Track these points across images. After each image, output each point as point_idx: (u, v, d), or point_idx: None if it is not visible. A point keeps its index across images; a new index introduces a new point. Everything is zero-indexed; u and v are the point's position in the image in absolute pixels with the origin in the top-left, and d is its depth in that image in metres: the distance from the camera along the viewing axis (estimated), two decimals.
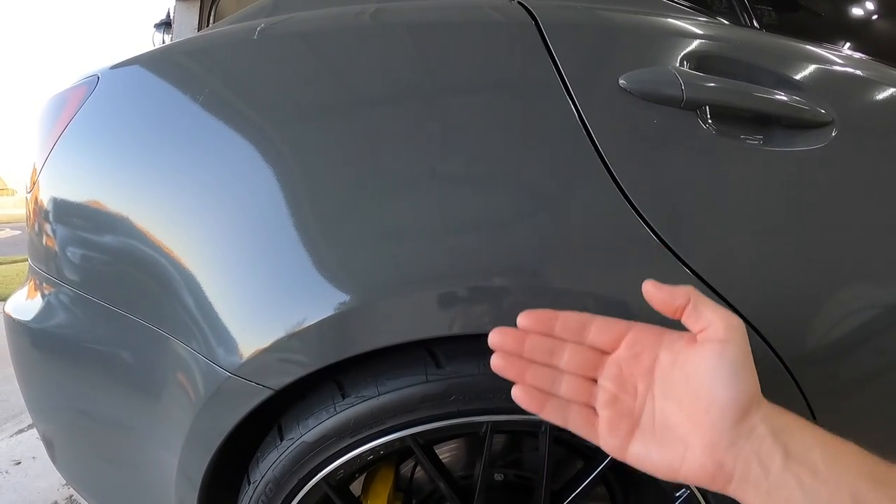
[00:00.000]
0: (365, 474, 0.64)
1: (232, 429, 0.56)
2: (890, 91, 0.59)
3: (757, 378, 0.34)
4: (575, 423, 0.38)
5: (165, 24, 1.86)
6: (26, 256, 0.83)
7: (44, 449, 0.85)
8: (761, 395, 0.34)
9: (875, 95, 0.60)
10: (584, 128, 0.52)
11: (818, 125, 0.55)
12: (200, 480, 0.59)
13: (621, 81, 0.53)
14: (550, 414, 0.38)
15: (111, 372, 0.65)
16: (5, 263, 6.16)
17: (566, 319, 0.38)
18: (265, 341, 0.51)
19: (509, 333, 0.39)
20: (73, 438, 0.79)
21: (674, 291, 0.36)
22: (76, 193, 0.67)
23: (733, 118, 0.54)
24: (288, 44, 0.60)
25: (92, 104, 0.66)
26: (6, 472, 1.53)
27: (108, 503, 0.81)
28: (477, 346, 0.53)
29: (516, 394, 0.38)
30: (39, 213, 0.71)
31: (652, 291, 0.37)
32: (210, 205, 0.56)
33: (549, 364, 0.38)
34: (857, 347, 0.54)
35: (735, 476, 0.32)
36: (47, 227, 0.70)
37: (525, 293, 0.50)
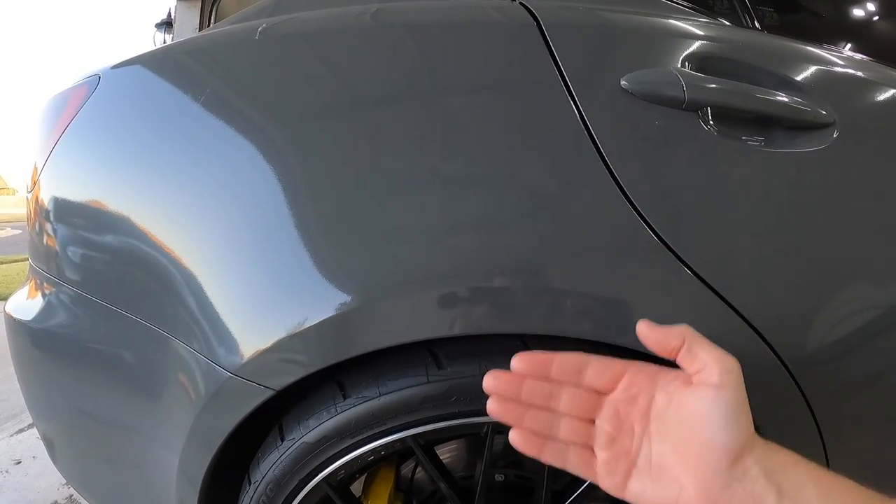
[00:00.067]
0: (366, 475, 0.64)
1: (233, 429, 0.56)
2: (891, 92, 0.59)
3: (751, 420, 0.34)
4: (574, 465, 0.38)
5: (166, 24, 1.86)
6: (27, 256, 0.83)
7: (44, 448, 0.85)
8: (755, 434, 0.34)
9: (876, 97, 0.60)
10: (586, 128, 0.52)
11: (819, 126, 0.55)
12: (201, 480, 0.59)
13: (623, 82, 0.53)
14: (549, 457, 0.38)
15: (112, 372, 0.65)
16: (6, 263, 6.16)
17: (562, 362, 0.38)
18: (266, 341, 0.51)
19: (504, 378, 0.38)
20: (73, 438, 0.79)
21: (668, 332, 0.36)
22: (77, 193, 0.67)
23: (735, 119, 0.54)
24: (289, 44, 0.60)
25: (93, 104, 0.66)
26: (6, 472, 1.53)
27: (109, 503, 0.81)
28: (478, 347, 0.53)
29: (514, 439, 0.38)
30: (40, 213, 0.71)
31: (646, 332, 0.37)
32: (211, 205, 0.56)
33: (546, 407, 0.38)
34: (858, 348, 0.54)
35: None
36: (48, 227, 0.70)
37: (526, 293, 0.50)
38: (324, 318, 0.50)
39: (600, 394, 0.38)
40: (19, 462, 1.59)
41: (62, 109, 0.70)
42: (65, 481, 1.34)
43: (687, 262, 0.50)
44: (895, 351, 0.55)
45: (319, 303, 0.50)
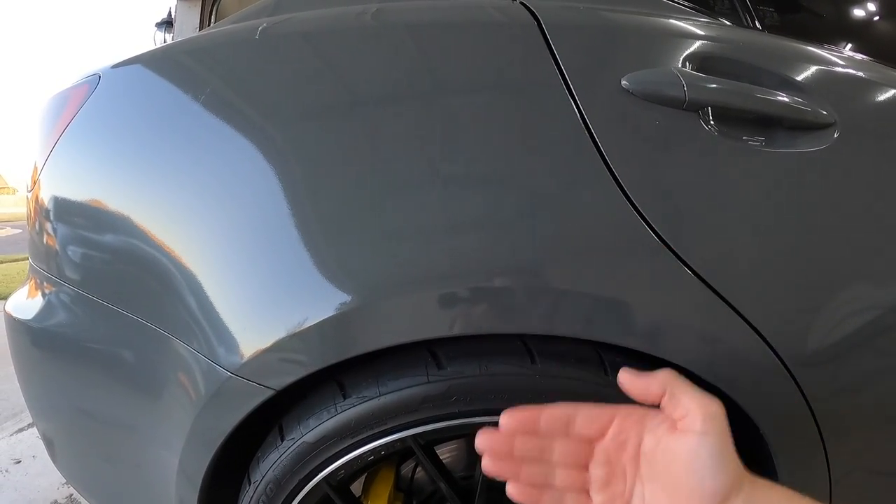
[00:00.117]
0: (366, 475, 0.64)
1: (233, 429, 0.56)
2: (892, 92, 0.59)
3: (738, 461, 0.34)
4: None
5: (167, 24, 1.86)
6: (27, 255, 0.83)
7: (44, 448, 0.85)
8: (744, 473, 0.34)
9: (877, 97, 0.60)
10: (587, 128, 0.52)
11: (820, 127, 0.54)
12: (201, 480, 0.59)
13: (623, 82, 0.53)
14: (547, 503, 0.39)
15: (112, 371, 0.65)
16: (6, 262, 6.16)
17: (550, 415, 0.39)
18: (266, 341, 0.51)
19: (496, 436, 0.39)
20: (73, 438, 0.79)
21: (649, 381, 0.37)
22: (77, 192, 0.67)
23: (735, 119, 0.54)
24: (289, 43, 0.60)
25: (93, 103, 0.66)
26: (6, 471, 1.53)
27: (108, 502, 0.81)
28: (478, 348, 0.53)
29: (511, 492, 0.39)
30: (40, 212, 0.71)
31: (627, 381, 0.38)
32: (211, 204, 0.56)
33: (540, 460, 0.39)
34: (858, 348, 0.54)
35: None
36: (48, 226, 0.70)
37: (526, 293, 0.50)
38: (324, 317, 0.50)
39: (591, 441, 0.39)
40: (19, 461, 1.59)
41: (62, 109, 0.70)
42: (64, 481, 1.34)
43: (687, 262, 0.50)
44: (895, 351, 0.55)
45: (319, 302, 0.50)
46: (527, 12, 0.57)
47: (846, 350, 0.53)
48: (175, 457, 0.60)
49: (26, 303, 0.76)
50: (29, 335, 0.74)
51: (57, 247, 0.68)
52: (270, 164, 0.54)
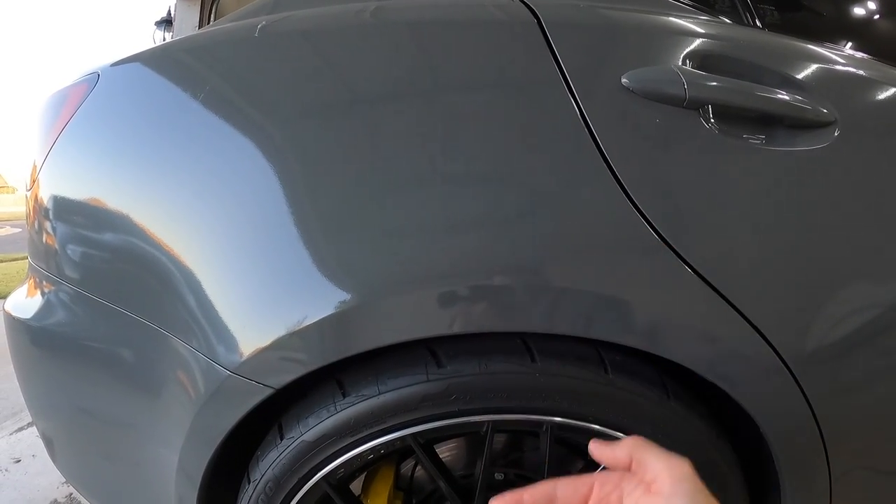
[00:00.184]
0: (365, 473, 0.64)
1: (232, 427, 0.56)
2: (892, 91, 0.59)
3: None
4: None
5: (166, 22, 1.86)
6: (26, 254, 0.83)
7: (43, 447, 0.85)
8: None
9: (877, 95, 0.60)
10: (587, 126, 0.52)
11: (820, 125, 0.54)
12: (200, 479, 0.59)
13: (624, 80, 0.53)
14: None
15: (111, 370, 0.65)
16: (5, 261, 6.16)
17: (532, 494, 0.40)
18: (266, 340, 0.51)
19: None
20: (72, 436, 0.79)
21: (616, 449, 0.38)
22: (76, 191, 0.67)
23: (736, 117, 0.54)
24: (289, 42, 0.60)
25: (92, 102, 0.66)
26: (6, 470, 1.53)
27: (108, 501, 0.81)
28: (478, 346, 0.53)
29: None
30: (39, 211, 0.71)
31: (598, 451, 0.40)
32: (210, 202, 0.55)
33: None
34: (858, 347, 0.54)
35: None
36: (47, 225, 0.70)
37: (526, 292, 0.50)
38: (324, 316, 0.50)
39: None
40: (19, 460, 1.59)
41: (61, 107, 0.69)
42: (64, 480, 1.34)
43: (687, 260, 0.50)
44: (895, 351, 0.55)
45: (319, 301, 0.50)
46: (527, 10, 0.57)
47: (846, 348, 0.53)
48: (174, 455, 0.60)
49: (26, 302, 0.75)
50: (28, 334, 0.74)
51: (56, 245, 0.68)
52: (270, 162, 0.54)
